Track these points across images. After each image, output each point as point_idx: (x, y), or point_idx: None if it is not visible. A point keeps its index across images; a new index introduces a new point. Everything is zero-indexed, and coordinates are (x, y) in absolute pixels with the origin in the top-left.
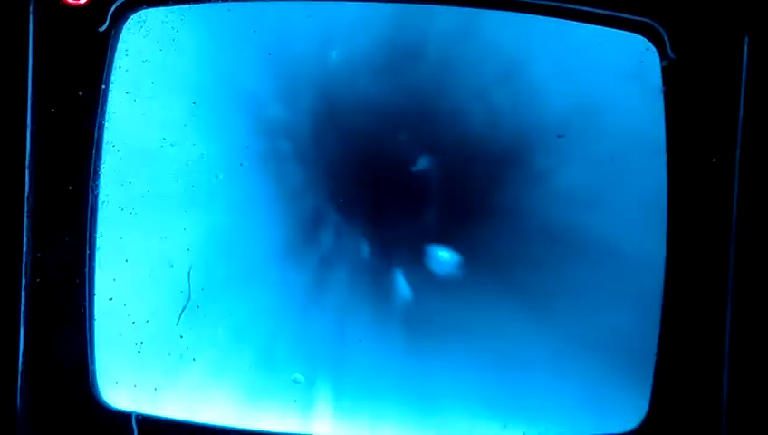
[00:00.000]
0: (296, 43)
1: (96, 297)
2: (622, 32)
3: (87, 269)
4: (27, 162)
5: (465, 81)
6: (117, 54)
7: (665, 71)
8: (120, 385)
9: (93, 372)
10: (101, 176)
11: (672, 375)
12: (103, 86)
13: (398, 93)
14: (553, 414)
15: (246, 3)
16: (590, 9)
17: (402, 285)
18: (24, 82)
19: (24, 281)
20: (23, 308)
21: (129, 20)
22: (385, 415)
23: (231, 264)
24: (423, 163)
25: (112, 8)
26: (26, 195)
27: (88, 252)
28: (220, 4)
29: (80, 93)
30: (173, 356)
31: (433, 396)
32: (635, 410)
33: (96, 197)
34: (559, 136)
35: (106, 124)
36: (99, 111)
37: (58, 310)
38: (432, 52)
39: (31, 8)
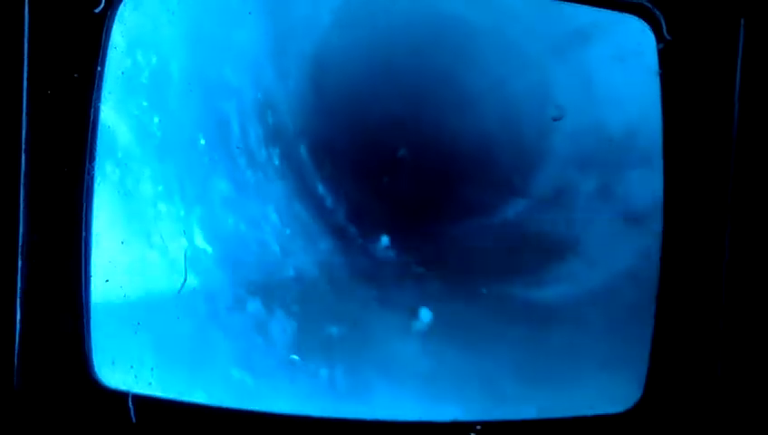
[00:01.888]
0: (292, 25)
1: (92, 279)
2: (618, 13)
3: (83, 251)
4: (23, 144)
5: (458, 63)
6: (113, 35)
7: (661, 53)
8: (117, 365)
9: (90, 352)
10: (97, 158)
11: (666, 357)
12: (99, 67)
13: (393, 74)
14: (550, 393)
15: None
16: None
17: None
18: (19, 63)
19: (20, 263)
20: (19, 290)
21: (125, 1)
22: (380, 395)
23: (227, 245)
24: (414, 148)
25: None
26: (22, 177)
27: (84, 234)
28: None
29: (75, 75)
30: (169, 337)
31: (428, 377)
32: (629, 390)
33: (92, 178)
34: (555, 119)
35: (102, 106)
36: (94, 92)
37: (55, 291)
38: (427, 33)
39: None
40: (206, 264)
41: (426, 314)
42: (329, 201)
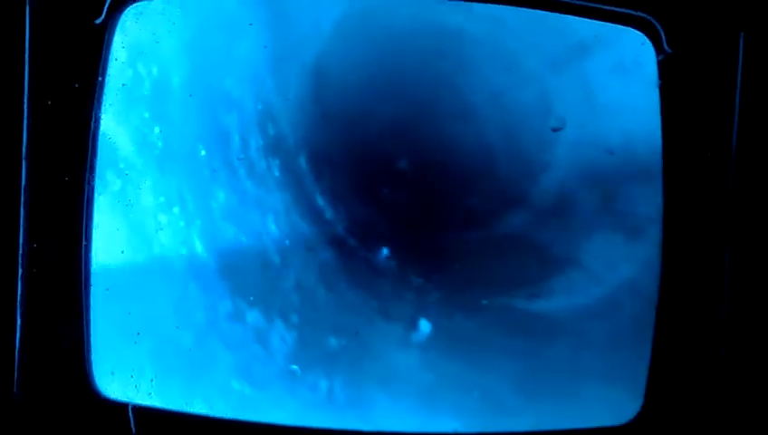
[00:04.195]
0: (292, 36)
1: (92, 288)
2: (618, 26)
3: (83, 260)
4: (24, 154)
5: (458, 74)
6: (113, 47)
7: (661, 65)
8: (117, 376)
9: (90, 362)
10: (97, 168)
11: (666, 369)
12: (100, 78)
13: (393, 86)
14: (549, 406)
15: None
16: (586, 3)
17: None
18: (20, 73)
19: (20, 272)
20: (19, 299)
21: (126, 12)
22: (379, 407)
23: (227, 255)
24: (414, 160)
25: (109, 1)
26: (23, 186)
27: (84, 243)
28: None
29: (76, 85)
30: (169, 347)
31: (428, 389)
32: (629, 402)
33: (92, 188)
34: (554, 129)
35: (102, 116)
36: (95, 103)
37: (54, 301)
38: (428, 45)
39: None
40: (206, 274)
41: (425, 326)
42: (329, 212)
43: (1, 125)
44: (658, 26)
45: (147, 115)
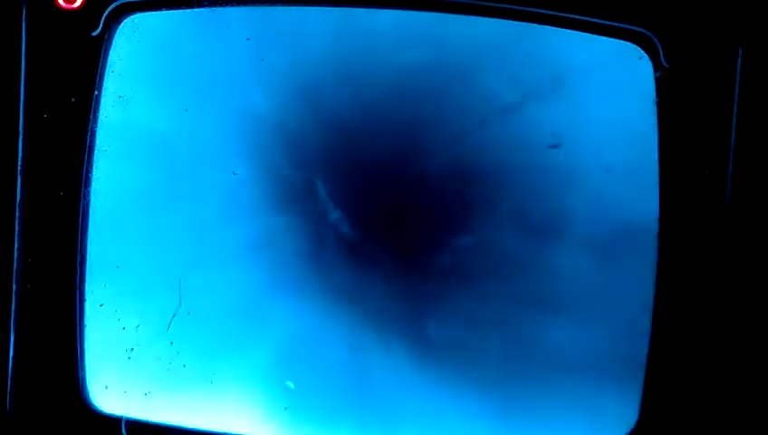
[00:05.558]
0: (289, 49)
1: (87, 303)
2: (616, 40)
3: (78, 275)
4: (19, 168)
5: (455, 89)
6: (110, 59)
7: (658, 81)
8: (110, 390)
9: (83, 377)
10: (93, 182)
11: (661, 385)
12: (96, 92)
13: (389, 99)
14: (545, 422)
15: (239, 9)
16: (583, 18)
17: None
18: (16, 87)
19: (14, 286)
20: (13, 313)
21: (123, 25)
22: (373, 423)
23: (222, 270)
24: (413, 172)
25: (106, 13)
26: (18, 201)
27: (79, 258)
28: (214, 10)
29: (72, 99)
30: (163, 362)
31: (423, 406)
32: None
33: (87, 203)
34: (551, 146)
35: (98, 130)
36: (91, 116)
37: (48, 315)
38: (426, 58)
39: (24, 12)
40: (199, 289)
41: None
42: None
43: None
44: (656, 41)
45: (142, 129)
